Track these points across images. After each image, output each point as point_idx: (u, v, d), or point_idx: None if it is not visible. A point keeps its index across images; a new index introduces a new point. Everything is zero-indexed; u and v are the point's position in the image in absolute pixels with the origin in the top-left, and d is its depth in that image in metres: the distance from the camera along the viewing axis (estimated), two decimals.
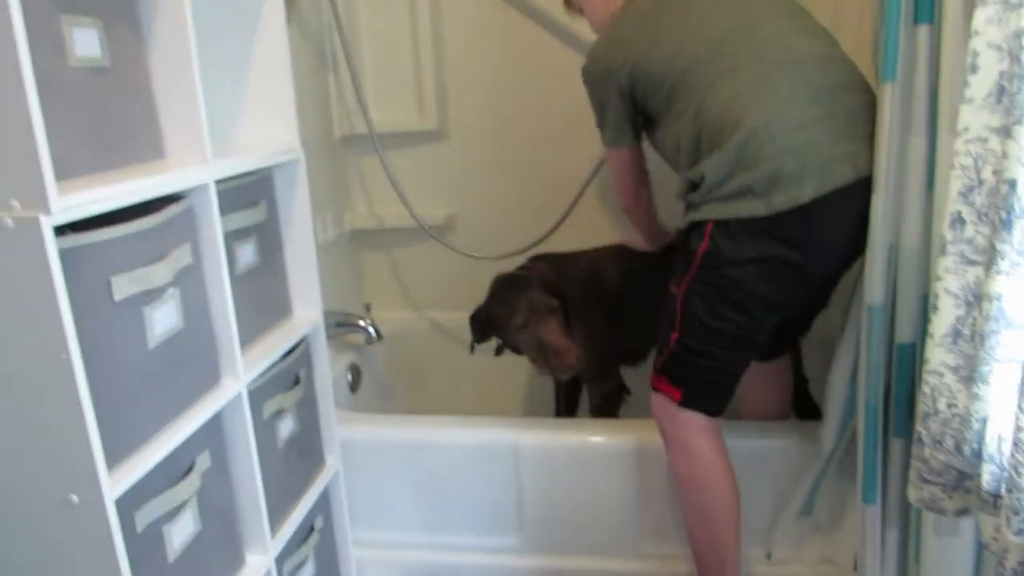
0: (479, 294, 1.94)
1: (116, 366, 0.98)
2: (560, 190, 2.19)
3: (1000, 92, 0.96)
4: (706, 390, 1.42)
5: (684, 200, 1.41)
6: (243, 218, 1.32)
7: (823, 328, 1.65)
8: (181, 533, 1.11)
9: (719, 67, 1.32)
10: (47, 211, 0.84)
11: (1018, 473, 0.94)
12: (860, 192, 1.26)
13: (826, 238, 1.32)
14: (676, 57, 1.36)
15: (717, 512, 1.44)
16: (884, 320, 1.27)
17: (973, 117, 0.99)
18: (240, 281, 1.30)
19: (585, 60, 1.52)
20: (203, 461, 1.16)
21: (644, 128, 1.53)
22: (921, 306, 1.23)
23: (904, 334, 1.26)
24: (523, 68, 2.21)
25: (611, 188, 1.74)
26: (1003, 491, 1.01)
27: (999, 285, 0.97)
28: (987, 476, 1.04)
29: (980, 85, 0.97)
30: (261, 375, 1.31)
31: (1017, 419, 0.94)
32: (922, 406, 1.12)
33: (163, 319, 1.06)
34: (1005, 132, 0.95)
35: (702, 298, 1.36)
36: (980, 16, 0.96)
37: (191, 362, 1.14)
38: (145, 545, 1.03)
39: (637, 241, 1.89)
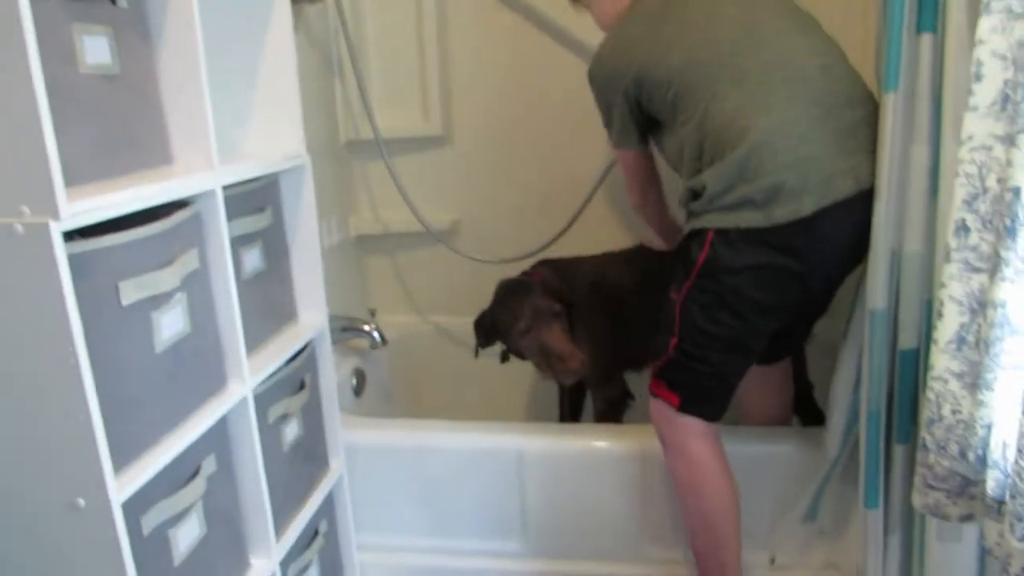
0: (484, 299, 1.94)
1: (123, 370, 0.99)
2: (564, 196, 2.19)
3: (1004, 101, 0.97)
4: (704, 395, 1.42)
5: (685, 208, 1.41)
6: (249, 223, 1.32)
7: (827, 333, 1.65)
8: (187, 537, 1.11)
9: (724, 78, 1.32)
10: (56, 217, 0.84)
11: (1022, 479, 0.94)
12: (862, 203, 1.27)
13: (826, 248, 1.32)
14: (681, 64, 1.36)
15: (716, 516, 1.45)
16: (886, 326, 1.28)
17: (977, 125, 1.00)
18: (246, 286, 1.30)
19: (591, 63, 1.52)
20: (209, 465, 1.17)
21: (651, 131, 1.53)
22: (924, 312, 1.23)
23: (907, 340, 1.26)
24: (528, 74, 2.21)
25: (620, 189, 1.74)
26: (1007, 497, 1.01)
27: (1003, 292, 0.97)
28: (991, 482, 1.05)
29: (984, 94, 0.98)
30: (266, 379, 1.32)
31: (1021, 425, 0.94)
32: (927, 412, 1.13)
33: (170, 324, 1.07)
34: (1009, 140, 0.95)
35: (701, 305, 1.37)
36: (984, 25, 0.96)
37: (197, 366, 1.15)
38: (151, 549, 1.04)
39: (655, 240, 1.89)
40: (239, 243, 1.29)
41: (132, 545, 0.95)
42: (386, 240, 2.42)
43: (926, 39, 1.15)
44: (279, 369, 1.37)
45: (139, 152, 1.10)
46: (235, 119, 1.43)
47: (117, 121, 1.05)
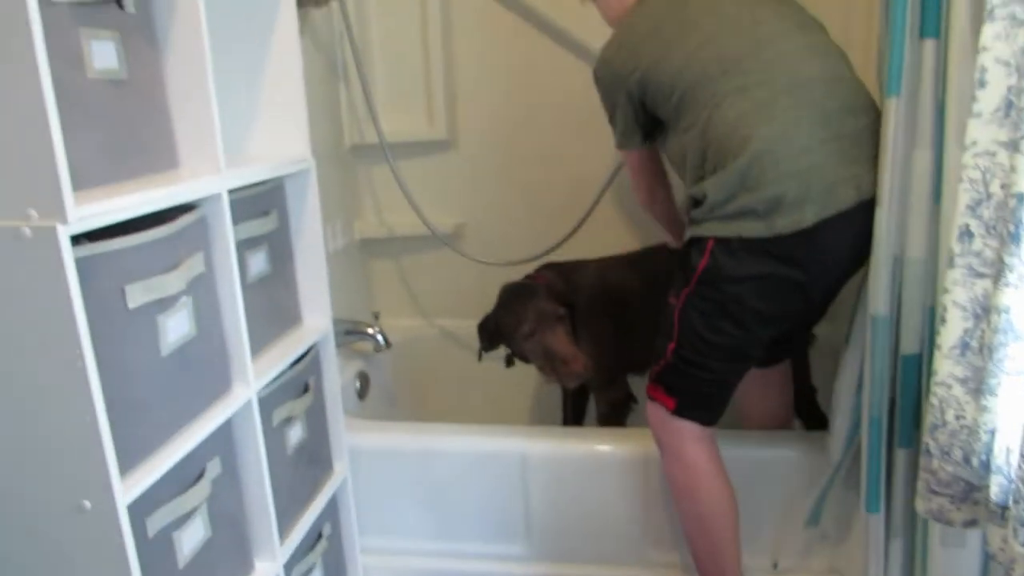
0: (487, 303, 1.94)
1: (129, 373, 0.99)
2: (569, 199, 2.20)
3: (1008, 107, 0.97)
4: (700, 400, 1.42)
5: (686, 215, 1.41)
6: (255, 227, 1.33)
7: (831, 338, 1.65)
8: (191, 539, 1.12)
9: (728, 86, 1.32)
10: (64, 220, 0.85)
11: None
12: (862, 213, 1.27)
13: (828, 259, 1.33)
14: (686, 70, 1.36)
15: (714, 520, 1.45)
16: (888, 331, 1.28)
17: (981, 131, 1.00)
18: (251, 289, 1.31)
19: (596, 63, 1.52)
20: (213, 468, 1.17)
21: (655, 131, 1.53)
22: (926, 317, 1.23)
23: (909, 345, 1.26)
24: (532, 77, 2.22)
25: (627, 192, 1.73)
26: (1010, 502, 1.01)
27: (1007, 298, 0.97)
28: (995, 488, 1.05)
29: (988, 100, 0.98)
30: (271, 382, 1.32)
31: None
32: (930, 418, 1.13)
33: (176, 327, 1.07)
34: (1013, 146, 0.95)
35: (700, 312, 1.37)
36: (988, 32, 0.97)
37: (203, 369, 1.15)
38: (156, 551, 1.04)
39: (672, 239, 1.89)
40: (244, 247, 1.29)
41: (137, 547, 0.96)
42: (390, 243, 2.42)
43: (929, 45, 1.15)
44: (283, 372, 1.37)
45: (146, 156, 1.10)
46: (240, 122, 1.44)
47: (124, 125, 1.06)
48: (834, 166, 1.27)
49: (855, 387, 1.42)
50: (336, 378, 1.58)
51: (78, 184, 0.89)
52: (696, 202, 1.36)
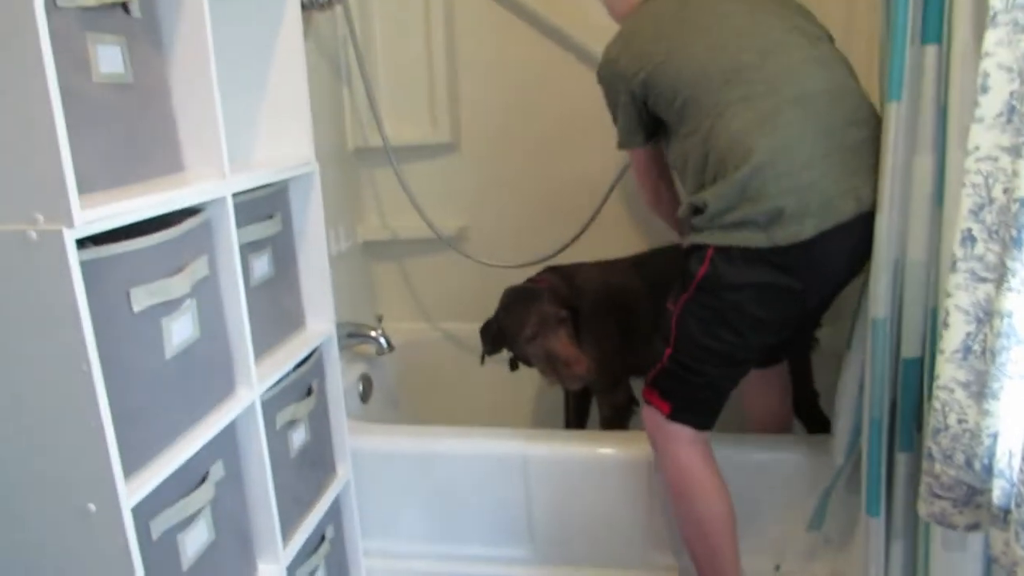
0: (490, 306, 1.95)
1: (134, 376, 1.00)
2: (572, 202, 2.20)
3: (1010, 112, 0.97)
4: (695, 405, 1.43)
5: (687, 222, 1.42)
6: (259, 230, 1.34)
7: (833, 342, 1.65)
8: (195, 542, 1.12)
9: (732, 96, 1.31)
10: (70, 224, 0.85)
11: None
12: (862, 225, 1.28)
13: (827, 270, 1.34)
14: (689, 75, 1.36)
15: (709, 524, 1.45)
16: (888, 334, 1.28)
17: (984, 136, 1.00)
18: (255, 292, 1.31)
19: (600, 62, 1.52)
20: (217, 470, 1.17)
21: (660, 133, 1.53)
22: (927, 321, 1.23)
23: (910, 348, 1.26)
24: (535, 81, 2.22)
25: (631, 195, 1.73)
26: (1013, 506, 1.01)
27: (1009, 302, 0.97)
28: (997, 491, 1.05)
29: (990, 105, 0.98)
30: (274, 385, 1.33)
31: None
32: (932, 422, 1.13)
33: (180, 330, 1.07)
34: (1015, 152, 0.96)
35: (698, 319, 1.37)
36: (990, 37, 0.97)
37: (206, 372, 1.16)
38: (160, 553, 1.05)
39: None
40: (248, 250, 1.30)
41: (141, 550, 0.96)
42: (393, 246, 2.42)
43: (931, 50, 1.15)
44: (287, 375, 1.38)
45: (151, 160, 1.11)
46: (245, 126, 1.44)
47: (129, 129, 1.07)
48: (835, 179, 1.27)
49: (857, 390, 1.42)
50: (339, 381, 1.58)
51: (83, 188, 0.89)
52: (697, 210, 1.36)
